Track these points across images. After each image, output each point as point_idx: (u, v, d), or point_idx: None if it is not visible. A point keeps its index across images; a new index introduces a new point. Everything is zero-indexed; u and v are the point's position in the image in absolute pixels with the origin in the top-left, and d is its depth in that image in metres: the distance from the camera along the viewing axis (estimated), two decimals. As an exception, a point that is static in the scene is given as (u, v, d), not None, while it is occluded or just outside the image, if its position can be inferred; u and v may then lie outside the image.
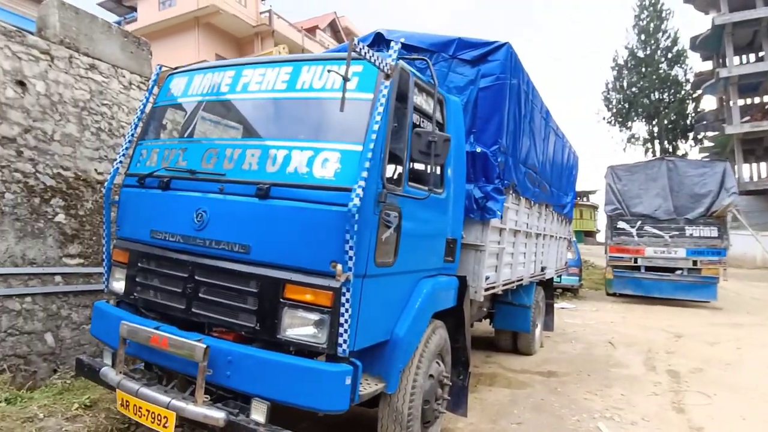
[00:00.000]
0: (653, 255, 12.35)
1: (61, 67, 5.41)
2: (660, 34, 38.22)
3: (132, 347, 3.02)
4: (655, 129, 39.62)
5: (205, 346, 2.62)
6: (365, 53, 2.53)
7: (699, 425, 4.54)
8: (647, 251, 12.39)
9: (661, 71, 38.78)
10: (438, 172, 3.59)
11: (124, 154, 3.58)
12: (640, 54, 39.40)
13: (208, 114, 3.45)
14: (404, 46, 4.39)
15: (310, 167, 2.75)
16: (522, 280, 5.83)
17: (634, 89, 39.82)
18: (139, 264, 3.25)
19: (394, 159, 3.00)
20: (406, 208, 2.98)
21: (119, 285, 3.38)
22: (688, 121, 39.21)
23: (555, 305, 12.11)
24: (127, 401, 2.83)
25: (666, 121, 38.48)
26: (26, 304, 4.45)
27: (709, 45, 34.30)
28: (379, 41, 4.59)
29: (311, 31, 28.00)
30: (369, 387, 2.90)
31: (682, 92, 39.17)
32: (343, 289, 2.52)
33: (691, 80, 38.28)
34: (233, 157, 3.01)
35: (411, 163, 3.14)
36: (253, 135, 3.20)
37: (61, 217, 4.97)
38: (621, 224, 12.79)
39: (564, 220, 8.38)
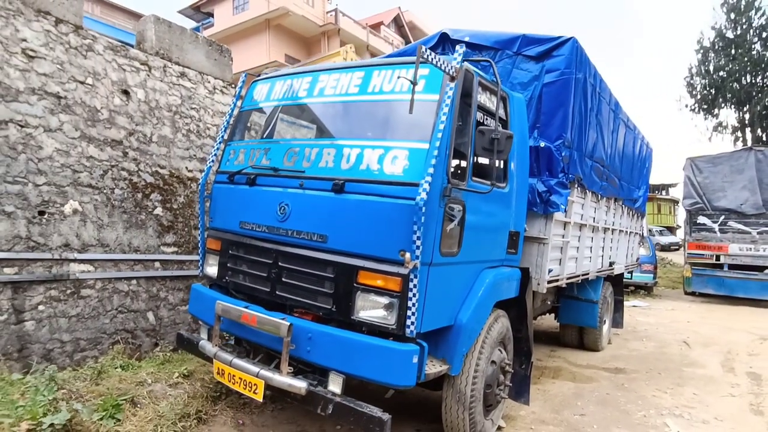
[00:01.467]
0: (738, 252, 11.57)
1: (157, 75, 6.05)
2: (753, 11, 35.08)
3: (224, 324, 3.44)
4: (746, 116, 36.50)
5: (288, 323, 2.97)
6: (431, 58, 2.74)
7: (779, 428, 4.37)
8: (731, 248, 11.62)
9: (754, 52, 35.60)
10: (501, 167, 3.73)
11: (215, 154, 4.02)
12: (729, 34, 36.36)
13: (288, 116, 3.80)
14: (469, 45, 4.57)
15: (381, 164, 3.00)
16: (588, 274, 5.79)
17: (721, 73, 36.87)
18: (230, 251, 3.67)
19: (459, 155, 3.19)
20: (470, 202, 3.16)
21: (212, 270, 3.82)
22: (785, 107, 35.77)
23: (626, 303, 11.81)
24: (222, 370, 3.25)
25: (759, 107, 35.31)
26: (132, 286, 5.09)
27: (812, 22, 30.96)
28: (444, 41, 4.76)
29: (376, 27, 28.42)
30: (434, 368, 3.12)
31: (780, 75, 35.78)
32: (411, 276, 2.75)
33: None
34: (311, 156, 3.33)
35: (475, 159, 3.30)
36: (328, 135, 3.51)
37: (159, 210, 5.59)
38: (701, 219, 12.08)
39: (636, 215, 8.13)
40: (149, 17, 6.35)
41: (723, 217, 11.83)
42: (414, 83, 2.64)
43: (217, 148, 4.05)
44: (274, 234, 3.35)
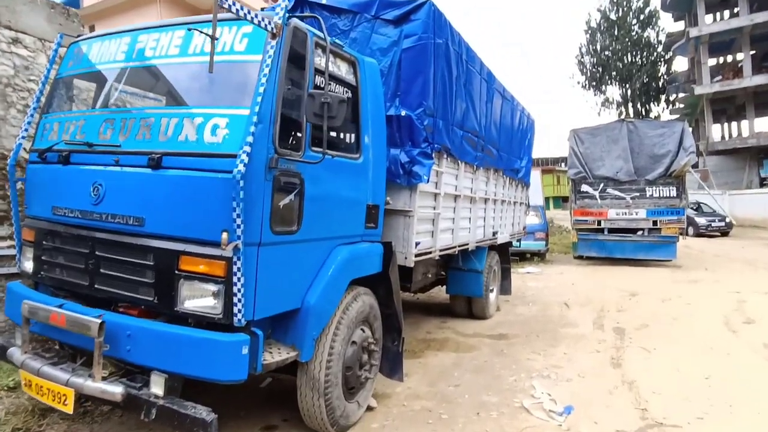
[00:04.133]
0: (615, 217, 12.55)
1: (-24, 41, 5.14)
2: (631, -5, 38.04)
3: (36, 326, 2.96)
4: (629, 92, 39.87)
5: (99, 321, 2.57)
6: (238, 11, 2.41)
7: (632, 378, 4.67)
8: (610, 213, 12.58)
9: (634, 33, 38.80)
10: (352, 136, 3.52)
11: (26, 129, 3.43)
12: (612, 16, 39.28)
13: (110, 83, 3.30)
14: (327, 8, 4.28)
15: (201, 134, 2.66)
16: (467, 245, 5.85)
17: (607, 52, 39.85)
18: (43, 242, 3.15)
19: (293, 124, 2.91)
20: (310, 174, 2.91)
21: (29, 264, 3.28)
22: (660, 84, 39.47)
23: (521, 270, 12.40)
24: (29, 381, 2.78)
25: (638, 84, 38.70)
26: (-51, 289, 4.33)
27: (681, 4, 34.22)
28: (301, 4, 4.42)
29: None
30: (279, 355, 2.89)
31: (654, 54, 39.32)
32: (235, 259, 2.47)
33: (663, 42, 38.35)
34: (128, 127, 2.90)
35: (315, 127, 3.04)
36: (149, 103, 3.08)
37: (-14, 200, 4.80)
38: (584, 187, 12.92)
39: (519, 185, 8.40)
40: (-38, -28, 5.36)
41: (602, 184, 12.72)
42: (213, 38, 2.31)
43: (29, 122, 3.46)
44: (87, 219, 2.89)
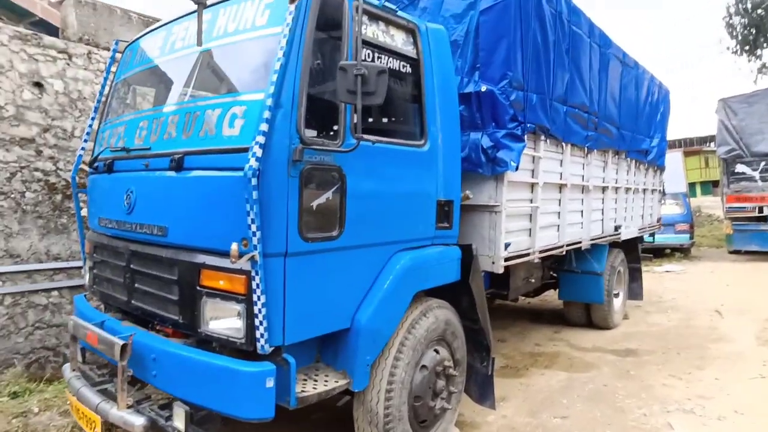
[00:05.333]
0: (785, 201, 10.17)
1: (80, 63, 5.45)
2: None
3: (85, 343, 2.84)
4: (793, 53, 33.25)
5: (122, 342, 2.31)
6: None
7: (820, 421, 3.43)
8: (777, 197, 10.24)
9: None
10: (415, 119, 2.92)
11: (86, 140, 3.39)
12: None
13: (151, 82, 3.11)
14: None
15: (219, 127, 2.28)
16: (580, 243, 4.89)
17: (760, 11, 33.66)
18: (94, 255, 3.06)
19: (326, 107, 2.40)
20: (353, 167, 2.39)
21: (87, 278, 3.23)
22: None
23: (658, 268, 10.67)
24: (71, 402, 2.65)
25: (808, 42, 32.04)
26: (53, 298, 4.59)
27: None
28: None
29: None
30: (326, 384, 2.42)
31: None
32: (253, 273, 2.04)
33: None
34: (158, 127, 2.64)
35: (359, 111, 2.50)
36: (176, 99, 2.79)
37: (85, 212, 5.06)
38: (740, 168, 10.68)
39: (650, 169, 7.04)
40: (69, 0, 5.77)
41: (764, 163, 10.39)
42: (201, 4, 1.89)
43: (88, 133, 3.42)
44: (122, 230, 2.70)
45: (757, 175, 10.50)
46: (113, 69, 3.47)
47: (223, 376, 2.12)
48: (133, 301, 2.65)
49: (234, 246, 1.99)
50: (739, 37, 37.03)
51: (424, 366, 2.87)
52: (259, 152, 1.97)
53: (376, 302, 2.56)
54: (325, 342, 2.58)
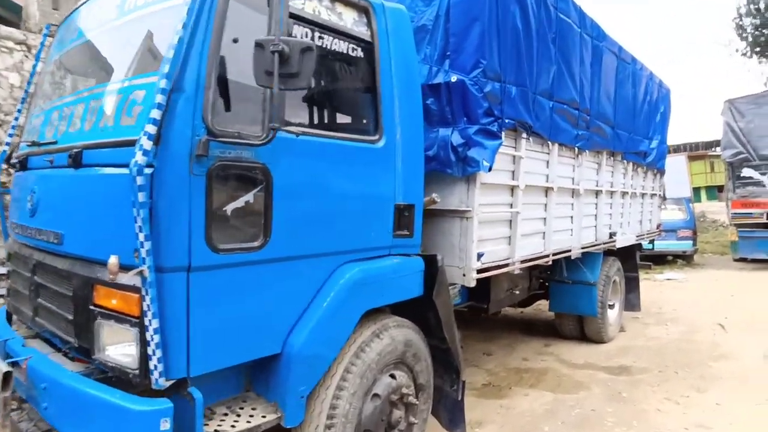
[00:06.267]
0: (793, 208, 9.72)
1: (39, 55, 5.15)
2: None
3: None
4: (806, 55, 32.70)
5: (3, 370, 1.96)
6: None
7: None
8: (785, 203, 9.78)
9: (811, -17, 31.70)
10: (368, 111, 2.56)
11: (11, 135, 3.04)
12: (781, -35, 32.55)
13: (70, 66, 2.75)
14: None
15: (118, 116, 1.92)
16: (569, 251, 4.50)
17: (773, 10, 33.14)
18: (7, 263, 2.71)
19: (244, 92, 2.02)
20: (284, 164, 2.03)
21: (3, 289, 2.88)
22: None
23: (659, 276, 10.24)
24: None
25: (821, 44, 31.47)
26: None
27: None
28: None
29: None
30: (249, 421, 2.05)
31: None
32: (143, 291, 1.68)
33: None
34: (66, 118, 2.29)
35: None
36: (85, 85, 2.44)
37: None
38: (747, 172, 10.23)
39: (649, 172, 6.64)
40: (30, -11, 5.47)
41: (774, 167, 9.96)
42: None
43: (14, 127, 3.07)
44: (26, 236, 2.35)
45: (765, 179, 10.05)
46: (43, 56, 3.12)
47: (111, 414, 1.76)
48: (36, 318, 2.30)
49: (113, 259, 1.64)
50: (750, 39, 36.51)
51: (376, 395, 2.49)
52: (147, 145, 1.61)
53: (313, 323, 2.19)
54: (257, 368, 2.21)
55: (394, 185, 2.61)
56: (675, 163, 18.92)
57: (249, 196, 1.93)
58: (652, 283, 9.84)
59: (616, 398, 4.07)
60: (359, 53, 2.48)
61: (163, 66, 1.69)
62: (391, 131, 2.56)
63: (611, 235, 5.43)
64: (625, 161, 5.61)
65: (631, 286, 6.40)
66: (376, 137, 2.51)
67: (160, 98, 1.65)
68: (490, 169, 2.98)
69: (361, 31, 2.49)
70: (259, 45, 1.78)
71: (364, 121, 2.54)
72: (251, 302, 2.01)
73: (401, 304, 2.70)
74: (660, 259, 11.69)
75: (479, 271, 3.13)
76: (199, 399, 1.82)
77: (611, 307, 5.78)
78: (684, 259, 11.67)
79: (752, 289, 8.70)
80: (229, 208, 1.87)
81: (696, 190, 27.02)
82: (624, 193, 5.72)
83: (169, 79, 1.68)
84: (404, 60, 2.68)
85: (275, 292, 2.10)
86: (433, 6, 3.10)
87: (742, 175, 10.31)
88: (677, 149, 27.16)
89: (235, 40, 1.90)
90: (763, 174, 10.09)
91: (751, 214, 10.14)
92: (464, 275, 3.07)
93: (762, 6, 34.43)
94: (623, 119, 5.36)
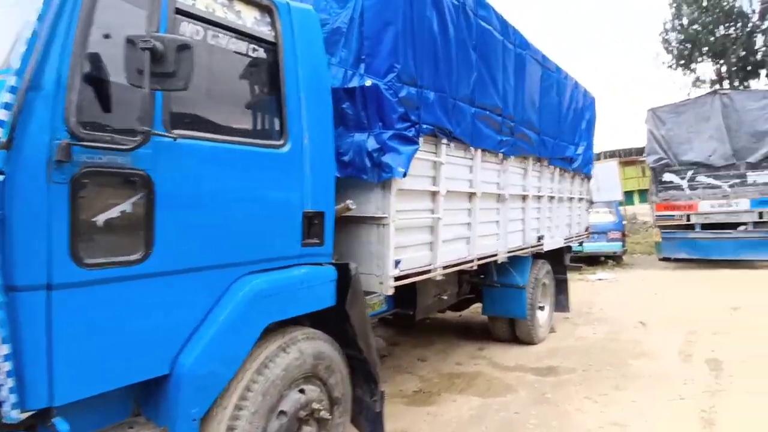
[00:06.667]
0: (710, 210, 10.38)
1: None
2: (721, -41, 33.76)
3: None
4: (723, 68, 35.34)
5: None
6: None
7: (733, 450, 3.17)
8: (702, 206, 10.43)
9: (725, 3, 34.33)
10: (271, 114, 2.45)
11: None
12: (699, -15, 35.07)
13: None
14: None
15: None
16: (496, 256, 4.55)
17: (696, 26, 35.63)
18: None
19: (118, 90, 1.87)
20: (169, 171, 1.89)
21: None
22: (758, 57, 34.58)
23: (591, 276, 10.67)
24: None
25: (734, 59, 34.13)
26: None
27: (784, -38, 29.66)
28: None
29: None
30: (133, 449, 1.88)
31: (750, 25, 34.54)
32: (-9, 313, 1.49)
33: (758, 10, 33.61)
34: None
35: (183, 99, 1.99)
36: None
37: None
38: (668, 176, 10.86)
39: (576, 177, 6.88)
40: None
41: (691, 171, 10.61)
42: None
43: None
44: None
45: (684, 183, 10.70)
46: None
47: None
48: None
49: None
50: (675, 52, 39.02)
51: (282, 412, 2.37)
52: (-11, 149, 1.44)
53: (206, 340, 2.05)
54: (146, 390, 2.04)
55: (301, 192, 2.51)
56: (607, 169, 19.90)
57: (125, 205, 1.77)
58: (585, 283, 10.25)
59: (540, 400, 4.13)
60: (261, 54, 2.38)
61: (13, 61, 1.51)
62: (297, 136, 2.47)
63: (539, 238, 5.56)
64: (551, 166, 5.77)
65: (561, 287, 6.59)
66: (281, 142, 2.41)
67: (8, 97, 1.48)
68: (405, 175, 2.93)
69: (264, 30, 2.38)
70: (130, 42, 1.64)
71: (267, 125, 2.43)
72: (131, 320, 1.85)
73: (321, 314, 2.61)
74: (594, 260, 12.21)
75: (398, 279, 3.08)
76: (63, 431, 1.64)
77: (541, 308, 5.92)
78: (614, 259, 12.23)
79: (673, 288, 9.20)
80: (100, 218, 1.71)
81: (629, 194, 28.54)
82: (551, 198, 5.88)
83: (20, 76, 1.51)
84: (312, 63, 2.59)
85: (161, 308, 1.95)
86: (347, 8, 3.03)
87: (663, 179, 10.93)
88: (612, 155, 28.51)
89: (107, 36, 1.75)
90: (682, 178, 10.74)
91: (672, 216, 10.77)
92: (381, 283, 3.01)
93: (685, 22, 36.96)
94: (548, 126, 5.51)
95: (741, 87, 34.51)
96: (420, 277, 3.38)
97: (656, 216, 11.15)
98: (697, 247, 10.65)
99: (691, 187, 10.66)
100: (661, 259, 11.70)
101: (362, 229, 3.03)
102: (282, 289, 2.38)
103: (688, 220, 10.69)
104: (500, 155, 4.45)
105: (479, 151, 4.04)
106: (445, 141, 3.50)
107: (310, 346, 2.54)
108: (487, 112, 4.08)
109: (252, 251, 2.29)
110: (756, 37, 35.07)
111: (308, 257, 2.58)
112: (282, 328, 2.46)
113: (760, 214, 9.91)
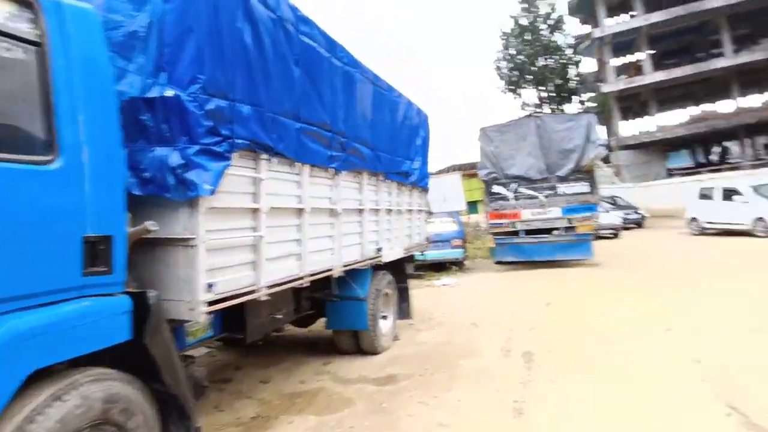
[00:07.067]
0: (530, 217, 11.84)
1: None
2: (538, 1, 39.22)
3: None
4: (544, 94, 40.96)
5: None
6: None
7: (535, 435, 3.54)
8: (524, 214, 11.85)
9: (544, 38, 39.94)
10: (35, 125, 2.11)
11: None
12: (524, 22, 40.29)
13: None
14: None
15: None
16: (330, 270, 4.56)
17: (521, 57, 40.79)
18: None
19: None
20: None
21: None
22: (573, 85, 40.89)
23: (437, 282, 11.38)
24: None
25: (552, 86, 39.82)
26: None
27: (585, 8, 35.55)
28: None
29: None
30: None
31: (565, 57, 40.70)
32: None
33: (573, 44, 39.81)
34: None
35: None
36: None
37: None
38: (496, 188, 12.15)
39: (413, 190, 7.27)
40: None
41: (515, 184, 12.00)
42: None
43: None
44: None
45: (510, 194, 12.05)
46: None
47: None
48: None
49: None
50: (506, 79, 44.10)
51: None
52: None
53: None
54: None
55: (80, 214, 2.20)
56: (451, 181, 21.54)
57: None
58: (431, 289, 10.88)
59: (377, 410, 4.20)
60: (20, 55, 2.04)
61: None
62: (72, 150, 2.16)
63: (379, 250, 5.73)
64: (388, 180, 6.00)
65: (403, 296, 6.86)
66: (49, 157, 2.08)
67: None
68: (213, 193, 2.76)
69: (22, 28, 2.04)
70: None
71: (29, 139, 2.08)
72: None
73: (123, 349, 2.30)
74: (441, 267, 13.06)
75: (213, 303, 2.87)
76: None
77: (384, 318, 6.09)
78: (457, 265, 13.22)
79: (505, 288, 10.22)
80: None
81: (474, 204, 31.31)
82: (389, 211, 6.11)
83: None
84: (92, 68, 2.30)
85: None
86: (145, 11, 2.78)
87: (493, 191, 12.21)
88: (459, 168, 30.84)
89: None
90: (509, 190, 12.09)
91: (501, 223, 12.05)
92: (192, 309, 2.77)
93: (513, 53, 42.04)
94: (383, 142, 5.73)
95: (558, 111, 40.33)
96: (242, 298, 3.21)
97: (490, 224, 12.35)
98: (522, 250, 12.03)
99: (516, 198, 12.03)
100: (496, 263, 12.96)
101: (169, 252, 2.78)
102: (52, 328, 2.04)
103: (514, 226, 12.03)
104: (331, 170, 4.48)
105: (307, 166, 4.02)
106: (265, 156, 3.40)
107: (99, 388, 2.22)
108: (315, 128, 4.08)
109: (10, 286, 1.93)
110: (569, 68, 41.41)
111: (93, 288, 2.27)
112: (58, 374, 2.11)
113: (569, 220, 11.57)
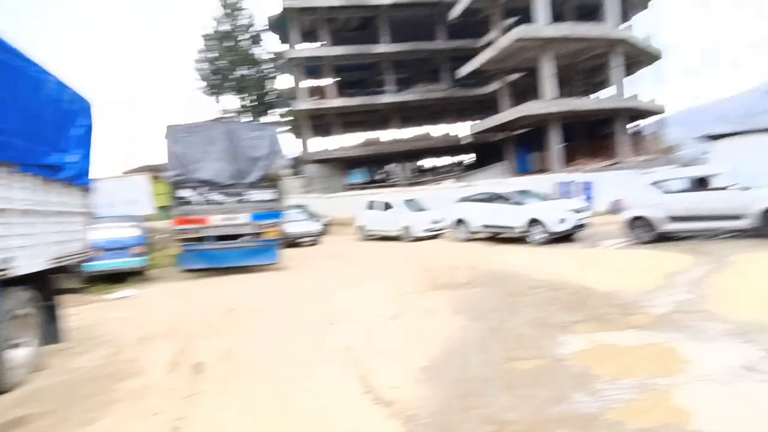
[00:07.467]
0: (220, 223, 11.61)
1: None
2: (239, 11, 39.44)
3: None
4: (246, 103, 41.31)
5: None
6: None
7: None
8: (213, 219, 11.53)
9: (242, 48, 40.31)
10: None
11: None
12: (224, 27, 39.78)
13: None
14: None
15: None
16: None
17: (223, 62, 40.10)
18: None
19: None
20: None
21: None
22: (271, 98, 42.61)
23: (114, 295, 9.97)
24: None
25: (254, 96, 40.57)
26: None
27: (281, 28, 37.74)
28: None
29: None
30: None
31: (263, 72, 42.04)
32: None
33: (273, 59, 41.52)
34: None
35: None
36: None
37: None
38: (183, 192, 11.47)
39: (72, 188, 6.12)
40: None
41: (204, 188, 11.58)
42: None
43: None
44: None
45: (198, 199, 11.53)
46: None
47: None
48: None
49: None
50: (207, 82, 42.64)
51: None
52: None
53: None
54: None
55: None
56: (138, 183, 19.43)
57: None
58: (103, 304, 9.46)
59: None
60: None
61: None
62: None
63: (6, 260, 4.53)
64: (23, 174, 4.84)
65: (51, 315, 5.67)
66: None
67: None
68: None
69: None
70: None
71: None
72: None
73: None
74: (120, 278, 11.46)
75: None
76: None
77: (16, 347, 4.86)
78: (139, 275, 11.91)
79: (190, 297, 9.66)
80: None
81: (166, 208, 29.01)
82: (26, 212, 4.93)
83: None
84: None
85: None
86: None
87: (180, 195, 11.47)
88: (152, 169, 28.12)
89: None
90: (198, 194, 11.55)
91: (188, 229, 11.43)
92: None
93: (216, 55, 41.01)
94: (17, 126, 4.59)
95: (256, 121, 41.42)
96: None
97: (175, 230, 11.56)
98: (210, 257, 11.69)
99: (203, 203, 11.61)
100: (184, 271, 12.20)
101: None
102: None
103: (202, 232, 11.58)
104: None
105: None
106: None
107: None
108: None
109: None
110: (267, 81, 42.93)
111: None
112: None
113: (257, 227, 11.86)
